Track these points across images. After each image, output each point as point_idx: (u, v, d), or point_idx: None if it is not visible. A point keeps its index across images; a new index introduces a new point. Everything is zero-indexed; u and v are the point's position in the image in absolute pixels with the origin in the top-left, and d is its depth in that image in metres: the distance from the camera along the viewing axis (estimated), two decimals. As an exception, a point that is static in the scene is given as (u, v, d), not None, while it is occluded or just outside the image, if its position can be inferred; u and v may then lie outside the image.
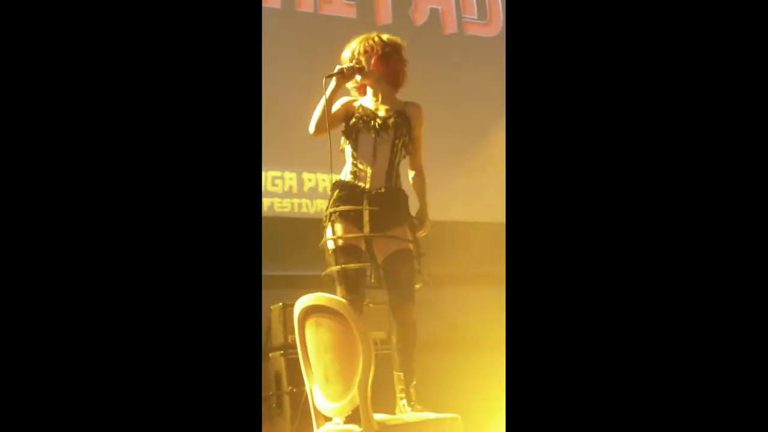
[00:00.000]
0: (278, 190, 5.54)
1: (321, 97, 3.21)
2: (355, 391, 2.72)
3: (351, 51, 3.26)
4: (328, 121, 3.18)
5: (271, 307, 4.52)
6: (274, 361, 4.46)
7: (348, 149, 3.28)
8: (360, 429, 2.72)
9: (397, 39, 3.31)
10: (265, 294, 4.42)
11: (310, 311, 2.88)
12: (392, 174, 3.21)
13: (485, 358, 5.04)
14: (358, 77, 3.24)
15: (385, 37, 3.27)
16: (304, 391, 3.08)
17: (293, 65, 5.50)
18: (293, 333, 3.06)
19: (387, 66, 3.24)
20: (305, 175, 5.63)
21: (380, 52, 3.22)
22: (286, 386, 4.31)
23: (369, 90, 3.31)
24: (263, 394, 4.37)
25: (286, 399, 4.29)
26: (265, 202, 5.42)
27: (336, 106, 3.26)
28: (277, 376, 4.42)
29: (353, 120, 3.22)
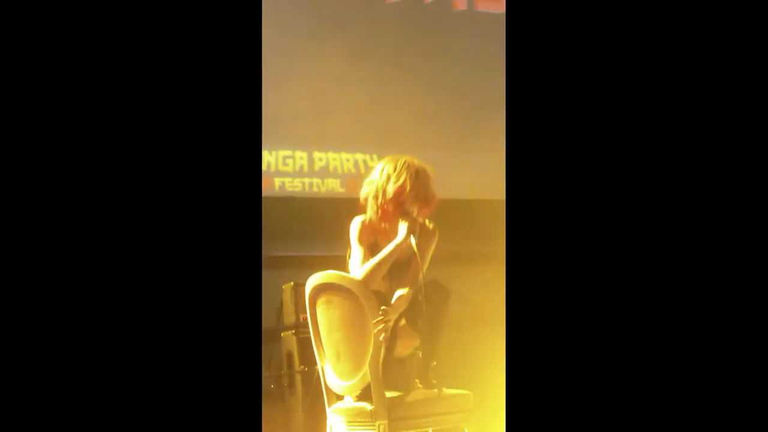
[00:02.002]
0: (289, 169, 5.54)
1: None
2: (366, 368, 2.72)
3: (397, 185, 2.89)
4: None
5: (283, 287, 4.52)
6: (286, 341, 4.47)
7: None
8: (371, 407, 2.73)
9: (428, 168, 2.99)
10: (277, 274, 4.46)
11: (322, 289, 2.88)
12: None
13: (494, 336, 5.05)
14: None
15: (419, 169, 2.95)
16: (315, 369, 3.09)
17: (304, 45, 5.49)
18: (305, 312, 3.06)
19: (429, 206, 2.99)
20: (316, 155, 5.62)
21: (424, 194, 2.94)
22: (297, 365, 4.32)
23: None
24: (275, 374, 4.39)
25: (298, 378, 4.30)
26: (276, 181, 5.42)
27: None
28: (289, 355, 4.43)
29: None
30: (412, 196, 2.90)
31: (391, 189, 2.87)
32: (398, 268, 2.94)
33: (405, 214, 2.88)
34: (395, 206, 2.88)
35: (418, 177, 2.92)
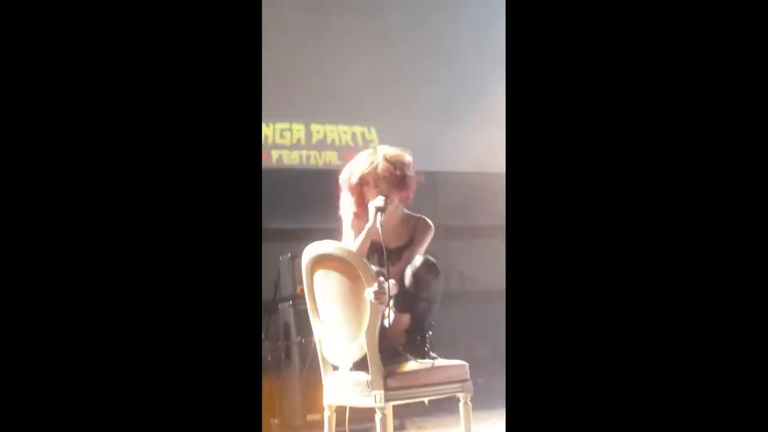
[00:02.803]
0: (286, 142, 5.53)
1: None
2: (363, 338, 2.73)
3: (363, 172, 2.97)
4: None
5: (280, 258, 4.53)
6: (283, 312, 4.49)
7: None
8: (368, 377, 2.74)
9: (402, 155, 3.03)
10: (273, 246, 4.46)
11: (319, 260, 2.89)
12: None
13: (492, 308, 5.08)
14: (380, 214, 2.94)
15: (391, 156, 3.00)
16: (312, 341, 3.10)
17: (301, 17, 5.45)
18: (302, 284, 3.06)
19: (407, 189, 3.02)
20: (314, 127, 5.61)
21: (400, 175, 2.97)
22: (294, 336, 4.34)
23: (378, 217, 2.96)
24: (272, 345, 4.41)
25: (295, 349, 4.33)
26: (274, 154, 5.41)
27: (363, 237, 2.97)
28: (286, 326, 4.45)
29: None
30: (382, 180, 2.95)
31: (356, 174, 2.97)
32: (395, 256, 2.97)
33: (379, 199, 2.93)
34: (363, 190, 2.97)
35: (386, 161, 2.98)
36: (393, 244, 3.00)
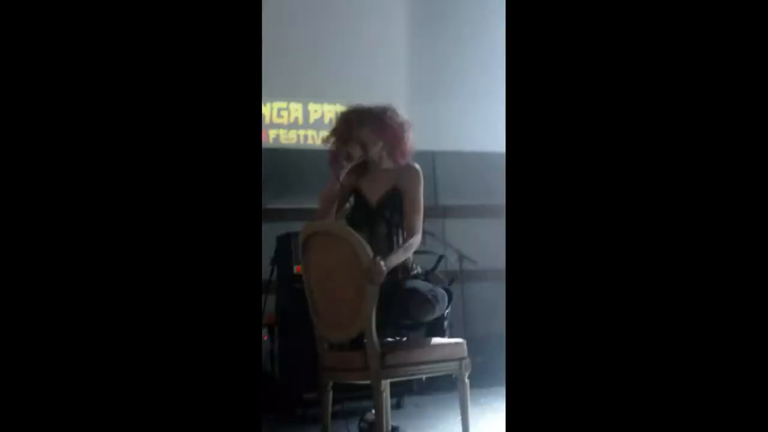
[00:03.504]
0: (283, 121, 5.50)
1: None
2: (360, 316, 2.72)
3: (349, 126, 3.03)
4: (336, 209, 3.00)
5: (277, 237, 4.51)
6: (279, 291, 4.47)
7: None
8: (364, 353, 2.73)
9: (386, 106, 3.06)
10: (271, 226, 4.44)
11: (315, 237, 2.88)
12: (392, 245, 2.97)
13: (490, 287, 5.08)
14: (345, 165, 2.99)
15: (388, 108, 3.05)
16: (309, 319, 3.09)
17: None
18: (299, 263, 3.05)
19: (396, 140, 3.01)
20: (311, 106, 5.58)
21: (394, 125, 3.00)
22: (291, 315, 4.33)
23: (368, 166, 3.06)
24: (269, 323, 4.40)
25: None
26: (271, 133, 5.38)
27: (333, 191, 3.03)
28: (283, 305, 4.44)
29: (348, 207, 3.05)
30: (340, 139, 3.02)
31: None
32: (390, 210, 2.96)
33: (347, 157, 2.98)
34: (332, 151, 3.04)
35: (343, 120, 3.04)
36: (376, 196, 3.00)
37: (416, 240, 2.90)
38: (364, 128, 2.99)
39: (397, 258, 2.83)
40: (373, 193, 3.02)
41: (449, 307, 2.91)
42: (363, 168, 3.06)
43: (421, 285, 2.82)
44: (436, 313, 2.83)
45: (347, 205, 3.04)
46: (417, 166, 3.02)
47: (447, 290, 2.88)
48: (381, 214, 2.96)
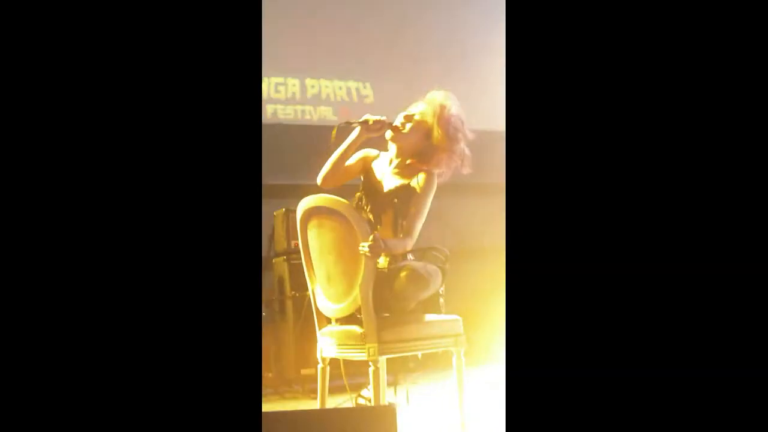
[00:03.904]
0: (281, 96, 5.48)
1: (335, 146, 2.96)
2: (357, 291, 2.73)
3: (415, 106, 2.97)
4: (339, 175, 2.95)
5: (274, 213, 4.52)
6: (277, 267, 4.49)
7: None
8: (361, 329, 2.74)
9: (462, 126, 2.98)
10: (268, 202, 4.43)
11: (313, 213, 2.87)
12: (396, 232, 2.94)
13: (487, 264, 5.08)
14: (388, 134, 2.92)
15: (455, 111, 2.97)
16: (306, 295, 3.10)
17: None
18: (296, 239, 3.05)
19: (428, 149, 2.93)
20: (308, 82, 5.55)
21: (447, 128, 2.92)
22: (288, 291, 4.34)
23: (390, 150, 3.00)
24: (266, 299, 4.41)
25: (289, 303, 4.33)
26: (268, 109, 5.36)
27: (352, 160, 2.98)
28: (280, 281, 4.45)
29: (364, 181, 3.00)
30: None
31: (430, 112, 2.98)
32: (398, 206, 2.93)
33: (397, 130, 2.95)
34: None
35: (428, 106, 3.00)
36: (387, 188, 2.96)
37: (409, 243, 2.86)
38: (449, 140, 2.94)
39: (394, 245, 2.82)
40: (388, 180, 2.98)
41: (443, 285, 2.91)
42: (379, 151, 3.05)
43: (414, 263, 2.81)
44: (431, 290, 2.82)
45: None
46: (436, 173, 2.96)
47: (441, 268, 2.88)
48: (391, 203, 2.93)
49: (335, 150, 2.94)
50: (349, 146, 2.93)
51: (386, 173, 3.01)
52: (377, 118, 2.90)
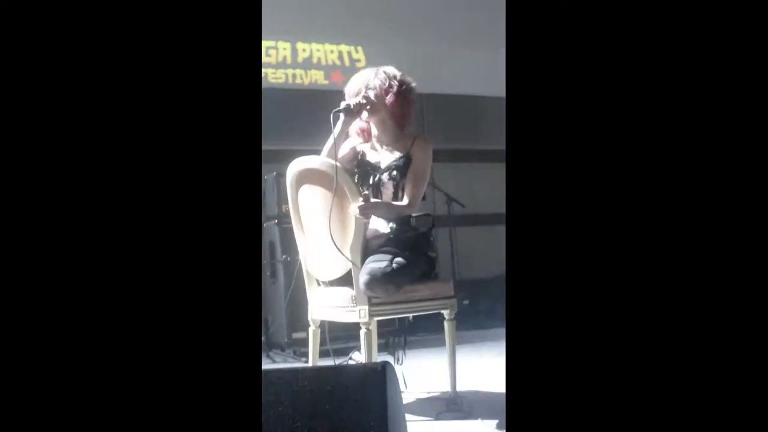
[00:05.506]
0: (272, 60, 5.42)
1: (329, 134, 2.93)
2: (347, 253, 2.72)
3: (358, 85, 2.98)
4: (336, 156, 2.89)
5: (265, 177, 4.49)
6: (267, 231, 4.47)
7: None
8: (352, 292, 2.73)
9: (411, 80, 3.00)
10: (258, 166, 4.42)
11: (303, 175, 2.86)
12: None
13: (491, 232, 5.09)
14: (365, 114, 2.96)
15: (398, 74, 2.99)
16: (297, 260, 3.09)
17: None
18: (287, 203, 3.04)
19: (399, 106, 2.96)
20: (300, 45, 5.50)
21: (396, 90, 2.94)
22: (280, 255, 4.33)
23: (374, 131, 3.04)
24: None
25: (280, 267, 4.32)
26: (259, 73, 5.32)
27: (344, 150, 2.98)
28: (271, 245, 4.44)
29: (356, 170, 2.99)
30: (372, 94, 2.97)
31: (371, 84, 2.99)
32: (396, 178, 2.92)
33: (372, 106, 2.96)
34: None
35: (378, 77, 3.00)
36: (386, 162, 2.97)
37: (409, 210, 2.88)
38: (405, 98, 2.97)
39: (386, 208, 2.82)
40: (384, 157, 2.98)
41: (436, 252, 2.93)
42: (368, 135, 3.05)
43: (378, 261, 2.77)
44: (403, 282, 2.79)
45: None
46: (430, 138, 3.00)
47: (425, 234, 2.90)
48: (390, 176, 2.92)
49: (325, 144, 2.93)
50: (340, 132, 2.90)
51: (379, 151, 3.01)
52: (356, 100, 2.91)
